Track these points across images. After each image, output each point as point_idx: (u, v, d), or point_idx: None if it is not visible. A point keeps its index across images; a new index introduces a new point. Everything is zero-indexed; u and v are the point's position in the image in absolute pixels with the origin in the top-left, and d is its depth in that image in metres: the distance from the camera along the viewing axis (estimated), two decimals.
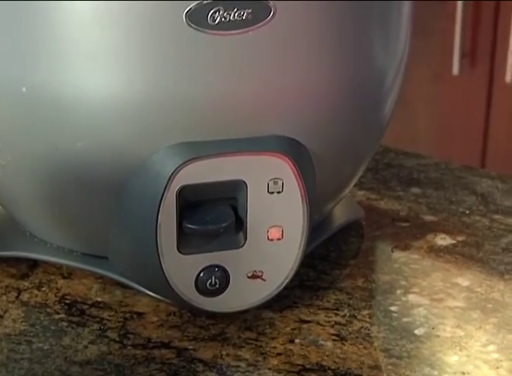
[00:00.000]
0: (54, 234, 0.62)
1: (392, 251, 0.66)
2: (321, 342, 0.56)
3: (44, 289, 0.61)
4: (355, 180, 0.65)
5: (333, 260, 0.65)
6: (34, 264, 0.63)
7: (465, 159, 1.59)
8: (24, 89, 0.55)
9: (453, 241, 0.67)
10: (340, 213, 0.67)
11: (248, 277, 0.57)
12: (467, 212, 0.72)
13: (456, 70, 1.97)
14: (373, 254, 0.68)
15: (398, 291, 0.61)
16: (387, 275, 0.63)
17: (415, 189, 0.75)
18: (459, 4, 1.93)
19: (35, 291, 0.61)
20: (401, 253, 0.66)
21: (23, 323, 0.58)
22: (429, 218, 0.71)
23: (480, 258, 0.65)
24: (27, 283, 0.61)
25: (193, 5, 0.51)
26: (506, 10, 1.90)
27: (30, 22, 0.53)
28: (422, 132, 1.88)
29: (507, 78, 1.90)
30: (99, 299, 0.60)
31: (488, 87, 1.96)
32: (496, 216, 0.71)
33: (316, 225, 0.60)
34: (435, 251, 0.66)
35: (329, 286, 0.62)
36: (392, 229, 0.70)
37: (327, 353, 0.55)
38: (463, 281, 0.62)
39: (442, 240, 0.67)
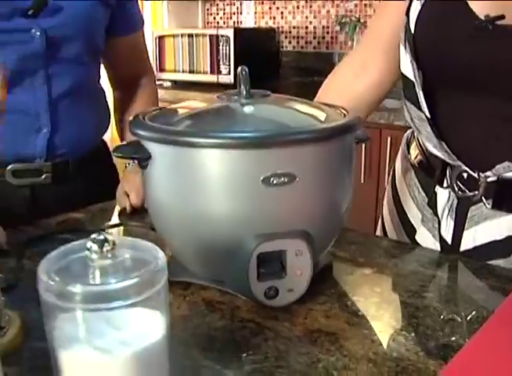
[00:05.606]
0: (199, 269, 0.61)
1: (351, 272, 0.65)
2: (319, 319, 0.55)
3: (194, 295, 0.61)
4: (330, 246, 0.64)
5: (322, 277, 0.64)
6: (189, 283, 0.62)
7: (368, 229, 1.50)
8: (183, 211, 0.55)
9: (373, 270, 0.67)
10: (322, 259, 0.65)
11: (287, 291, 0.57)
12: (377, 256, 0.71)
13: (362, 179, 1.96)
14: (338, 273, 0.66)
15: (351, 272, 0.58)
16: (350, 276, 0.63)
17: (353, 246, 0.74)
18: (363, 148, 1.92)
19: (191, 296, 0.60)
20: (355, 268, 0.66)
21: (187, 310, 0.58)
22: (361, 259, 0.70)
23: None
24: (187, 292, 0.61)
25: (264, 175, 0.52)
26: (384, 151, 1.89)
27: (191, 178, 0.53)
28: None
29: (386, 184, 1.84)
30: (220, 299, 0.60)
31: (377, 188, 1.94)
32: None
33: (314, 265, 0.58)
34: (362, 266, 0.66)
35: (321, 290, 0.61)
36: (346, 264, 0.69)
37: (323, 323, 0.54)
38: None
39: (367, 270, 0.67)
